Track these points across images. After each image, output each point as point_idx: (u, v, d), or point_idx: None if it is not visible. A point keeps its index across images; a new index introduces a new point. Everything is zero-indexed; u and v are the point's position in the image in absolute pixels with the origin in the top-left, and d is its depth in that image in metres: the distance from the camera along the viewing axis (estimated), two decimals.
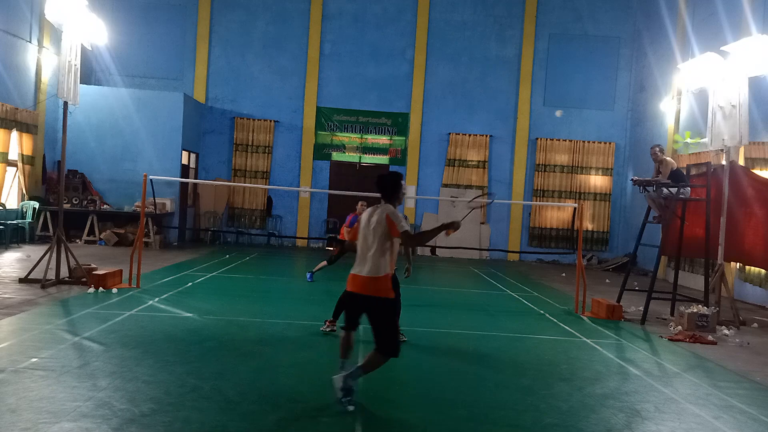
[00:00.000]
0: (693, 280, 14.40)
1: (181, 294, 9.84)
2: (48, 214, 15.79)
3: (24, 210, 15.47)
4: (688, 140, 13.53)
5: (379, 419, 4.98)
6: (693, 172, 11.72)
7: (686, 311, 9.25)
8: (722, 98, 9.90)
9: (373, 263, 5.03)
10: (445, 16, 19.86)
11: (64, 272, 10.24)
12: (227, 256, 15.72)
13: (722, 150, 10.26)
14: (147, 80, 19.51)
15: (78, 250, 12.70)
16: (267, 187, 18.68)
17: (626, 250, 19.06)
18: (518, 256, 19.74)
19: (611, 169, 19.85)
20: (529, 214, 19.91)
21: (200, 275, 11.98)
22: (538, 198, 19.57)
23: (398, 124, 19.82)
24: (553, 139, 19.80)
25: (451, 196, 18.99)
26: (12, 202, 15.53)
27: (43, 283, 9.57)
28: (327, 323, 7.81)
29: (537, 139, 19.80)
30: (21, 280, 9.90)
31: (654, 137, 17.27)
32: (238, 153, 19.67)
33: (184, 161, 18.28)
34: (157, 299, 9.16)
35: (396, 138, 19.84)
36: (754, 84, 10.75)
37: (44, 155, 16.52)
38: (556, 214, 19.88)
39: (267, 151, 19.66)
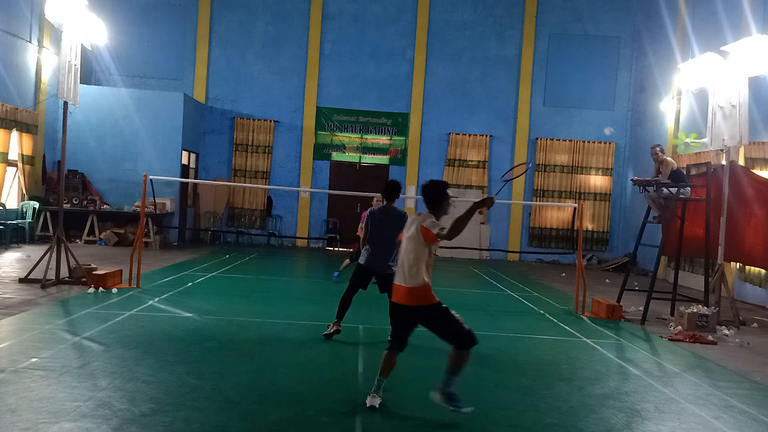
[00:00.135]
0: (693, 280, 14.40)
1: (181, 294, 9.84)
2: (48, 214, 15.80)
3: (24, 210, 15.48)
4: (688, 140, 13.52)
5: (379, 419, 4.98)
6: (693, 172, 11.72)
7: (686, 311, 9.25)
8: (722, 98, 9.90)
9: (414, 274, 5.01)
10: (445, 16, 19.86)
11: (64, 272, 10.23)
12: (227, 256, 15.72)
13: (722, 150, 10.26)
14: (147, 80, 19.51)
15: (78, 250, 12.70)
16: (267, 187, 18.69)
17: (626, 250, 19.06)
18: (518, 256, 19.74)
19: (611, 169, 19.85)
20: (529, 214, 19.92)
21: (200, 275, 11.98)
22: (538, 198, 19.57)
23: (398, 124, 19.82)
24: (553, 139, 19.80)
25: (451, 196, 18.96)
26: (12, 202, 15.54)
27: (43, 283, 9.57)
28: (331, 326, 7.50)
29: (537, 139, 19.80)
30: (21, 280, 9.90)
31: (654, 137, 17.27)
32: (238, 153, 19.67)
33: (184, 161, 18.28)
34: (157, 299, 9.16)
35: (396, 138, 19.84)
36: (754, 84, 10.75)
37: (44, 155, 16.53)
38: (556, 214, 19.88)
39: (267, 151, 19.66)
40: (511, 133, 19.93)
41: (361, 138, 19.77)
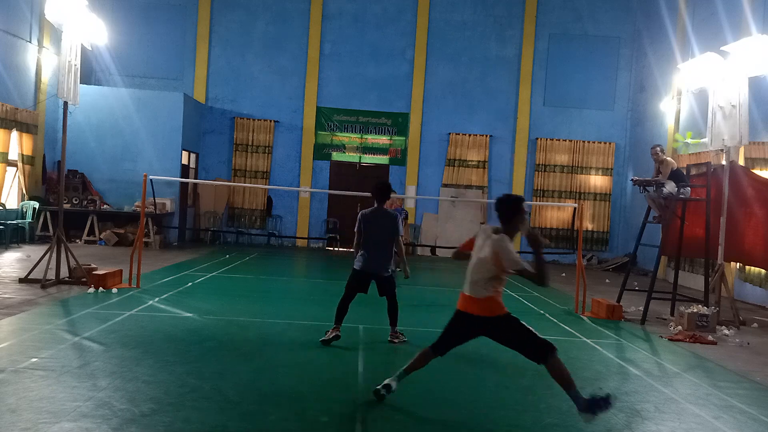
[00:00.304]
0: (693, 280, 14.40)
1: (181, 294, 9.84)
2: (48, 214, 15.80)
3: (24, 210, 15.48)
4: (689, 140, 13.52)
5: (379, 419, 4.98)
6: (693, 172, 11.72)
7: (686, 311, 9.25)
8: (722, 98, 9.90)
9: (484, 285, 4.90)
10: (445, 16, 19.86)
11: (64, 272, 10.23)
12: (227, 256, 15.72)
13: (722, 150, 10.26)
14: (147, 80, 19.51)
15: (78, 250, 12.70)
16: (267, 187, 18.69)
17: (626, 250, 19.06)
18: None
19: (611, 169, 19.85)
20: (529, 214, 19.91)
21: (200, 275, 11.98)
22: (538, 198, 19.57)
23: (398, 124, 19.82)
24: (553, 139, 19.80)
25: (452, 196, 19.01)
26: (12, 202, 15.54)
27: (43, 283, 9.57)
28: (330, 332, 7.15)
29: (537, 139, 19.80)
30: (21, 280, 9.90)
31: (654, 137, 17.26)
32: (238, 153, 19.67)
33: (184, 161, 18.28)
34: (157, 299, 9.15)
35: (396, 138, 19.84)
36: (754, 84, 10.74)
37: (44, 155, 16.53)
38: (556, 214, 19.88)
39: (267, 151, 19.66)
40: (511, 133, 19.93)
41: (361, 138, 19.77)
